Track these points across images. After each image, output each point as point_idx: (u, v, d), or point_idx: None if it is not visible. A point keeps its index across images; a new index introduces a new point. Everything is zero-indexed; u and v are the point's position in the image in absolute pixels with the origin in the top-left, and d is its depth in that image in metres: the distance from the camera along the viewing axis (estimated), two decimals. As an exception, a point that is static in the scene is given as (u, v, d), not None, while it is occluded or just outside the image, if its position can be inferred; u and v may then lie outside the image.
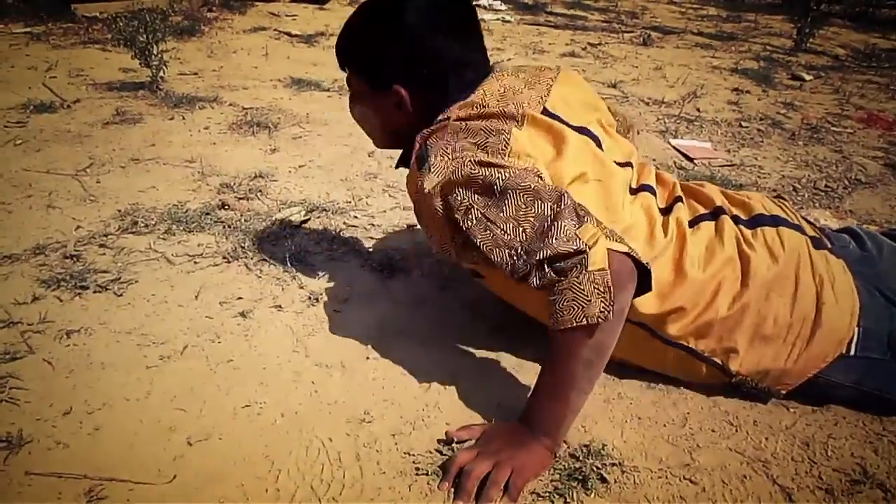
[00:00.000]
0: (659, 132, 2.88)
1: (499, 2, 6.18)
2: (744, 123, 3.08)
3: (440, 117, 1.24)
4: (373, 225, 1.89)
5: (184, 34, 4.10)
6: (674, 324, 1.22)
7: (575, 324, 1.02)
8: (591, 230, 1.05)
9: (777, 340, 1.22)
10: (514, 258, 1.07)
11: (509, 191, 1.08)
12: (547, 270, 1.04)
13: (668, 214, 1.31)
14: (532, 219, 1.06)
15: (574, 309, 1.02)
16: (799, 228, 1.33)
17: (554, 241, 1.03)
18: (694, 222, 1.31)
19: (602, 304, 1.01)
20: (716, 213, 1.33)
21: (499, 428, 1.14)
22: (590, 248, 1.02)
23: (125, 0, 4.29)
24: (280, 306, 1.49)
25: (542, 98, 1.27)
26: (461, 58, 1.28)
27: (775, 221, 1.33)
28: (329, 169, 2.24)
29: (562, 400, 1.07)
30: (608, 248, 1.04)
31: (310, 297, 1.52)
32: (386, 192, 2.10)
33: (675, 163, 2.53)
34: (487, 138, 1.16)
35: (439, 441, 1.14)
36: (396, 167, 1.45)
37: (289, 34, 4.36)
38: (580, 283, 1.02)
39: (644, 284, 1.08)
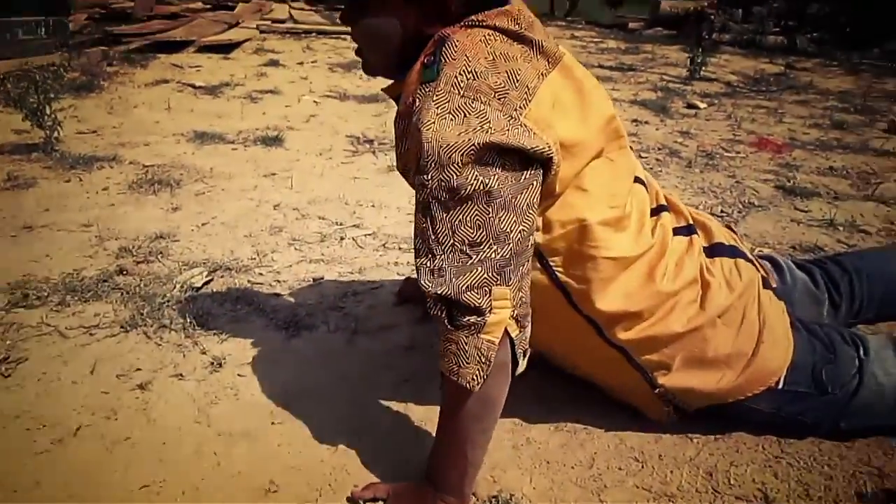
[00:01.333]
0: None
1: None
2: (643, 154, 3.20)
3: (472, 18, 1.06)
4: (278, 281, 1.86)
5: (82, 90, 4.00)
6: (625, 328, 1.19)
7: (450, 376, 1.01)
8: (507, 295, 1.01)
9: (711, 367, 1.23)
10: (427, 261, 1.01)
11: (480, 198, 0.99)
12: (441, 308, 1.01)
13: (655, 216, 1.28)
14: (468, 240, 0.99)
15: (451, 363, 1.01)
16: (753, 263, 1.35)
17: (463, 282, 0.99)
18: (674, 233, 1.29)
19: (477, 373, 1.00)
20: (689, 230, 1.32)
21: (405, 488, 1.13)
22: (490, 313, 1.00)
23: (16, 59, 4.15)
24: (181, 375, 1.44)
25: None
26: None
27: (733, 253, 1.33)
28: (233, 225, 2.21)
29: (460, 456, 1.07)
30: (506, 327, 1.02)
31: (212, 363, 1.48)
32: (291, 246, 2.07)
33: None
34: (510, 87, 1.00)
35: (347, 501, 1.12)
36: (387, 90, 1.24)
37: (192, 86, 4.30)
38: (466, 343, 1.00)
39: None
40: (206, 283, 1.82)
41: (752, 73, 5.98)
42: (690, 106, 4.37)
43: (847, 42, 8.64)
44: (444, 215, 0.99)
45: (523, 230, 1.02)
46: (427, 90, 1.00)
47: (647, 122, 3.88)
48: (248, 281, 1.86)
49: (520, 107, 1.00)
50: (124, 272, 1.86)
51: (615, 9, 14.31)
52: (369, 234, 2.16)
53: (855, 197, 2.75)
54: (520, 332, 1.04)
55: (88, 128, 3.30)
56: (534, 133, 1.00)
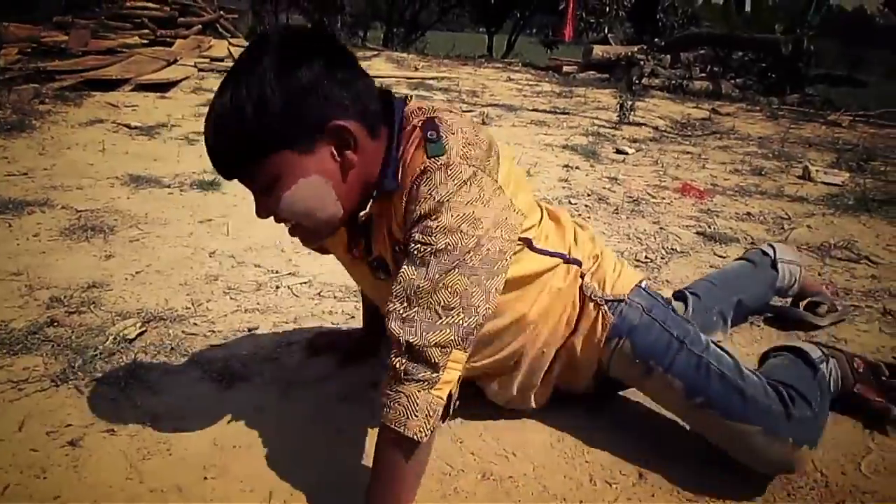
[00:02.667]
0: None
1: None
2: (573, 200, 3.32)
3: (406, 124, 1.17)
4: (213, 331, 1.88)
5: (13, 130, 3.93)
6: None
7: (395, 427, 1.09)
8: (461, 359, 1.12)
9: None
10: (402, 308, 1.10)
11: (466, 271, 1.09)
12: (403, 357, 1.09)
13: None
14: (444, 303, 1.09)
15: (399, 414, 1.09)
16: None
17: (431, 338, 1.09)
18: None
19: (423, 426, 1.09)
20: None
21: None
22: (444, 371, 1.10)
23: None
24: (113, 430, 1.45)
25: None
26: (368, 80, 1.18)
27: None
28: (168, 273, 2.21)
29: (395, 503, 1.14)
30: (451, 390, 1.13)
31: (145, 418, 1.49)
32: (227, 295, 2.09)
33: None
34: (492, 156, 1.15)
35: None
36: (361, 220, 1.26)
37: (128, 126, 4.27)
38: (418, 398, 1.09)
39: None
40: (140, 334, 1.83)
41: (679, 118, 6.25)
42: (619, 151, 4.55)
43: (769, 88, 9.12)
44: (433, 274, 1.09)
45: (487, 310, 1.14)
46: (440, 163, 1.09)
47: (577, 168, 4.02)
48: (183, 331, 1.87)
49: (496, 177, 1.15)
50: (55, 323, 1.85)
51: (550, 50, 14.76)
52: (305, 283, 2.19)
53: (769, 242, 2.92)
54: (457, 392, 1.16)
55: (19, 169, 3.26)
56: (515, 209, 1.17)
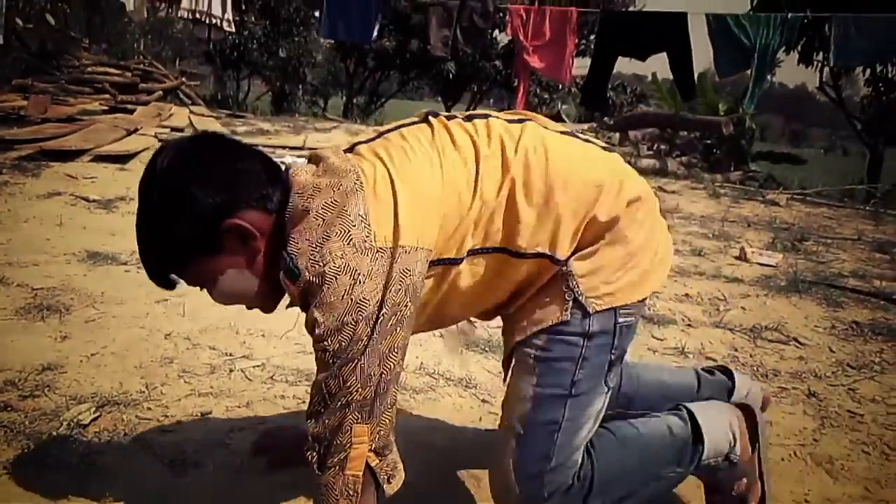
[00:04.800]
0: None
1: (303, 160, 6.47)
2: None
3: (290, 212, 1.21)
4: (166, 416, 1.93)
5: (-32, 202, 3.96)
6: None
7: None
8: (365, 431, 1.18)
9: None
10: (308, 405, 1.22)
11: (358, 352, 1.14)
12: (314, 450, 1.20)
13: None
14: (337, 386, 1.16)
15: (324, 502, 1.20)
16: None
17: (331, 423, 1.17)
18: None
19: None
20: None
21: None
22: (350, 448, 1.17)
23: None
24: (65, 519, 1.49)
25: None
26: (251, 167, 1.26)
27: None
28: (123, 356, 2.26)
29: None
30: (367, 459, 1.19)
31: (97, 506, 1.53)
32: (181, 378, 2.15)
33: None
34: (349, 229, 1.14)
35: None
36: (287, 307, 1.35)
37: (86, 199, 4.32)
38: (334, 482, 1.18)
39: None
40: (94, 419, 1.87)
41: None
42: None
43: (713, 165, 9.54)
44: (329, 369, 1.16)
45: (384, 372, 1.18)
46: (303, 281, 1.17)
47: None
48: (137, 416, 1.91)
49: (365, 238, 1.15)
50: (9, 408, 1.88)
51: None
52: (258, 366, 2.26)
53: (706, 324, 3.08)
54: (380, 461, 1.21)
55: (-26, 245, 3.28)
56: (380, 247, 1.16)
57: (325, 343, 1.14)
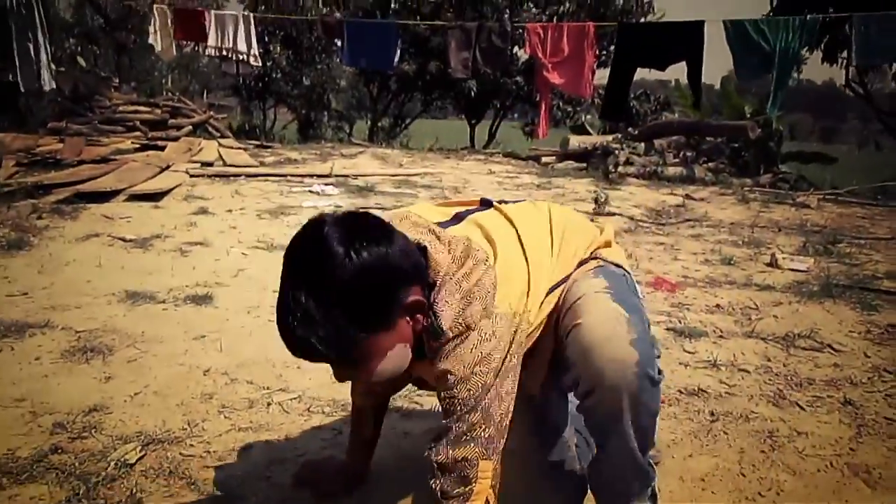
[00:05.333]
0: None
1: (331, 187, 6.59)
2: (550, 299, 3.47)
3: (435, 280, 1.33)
4: (208, 452, 1.99)
5: (11, 248, 4.09)
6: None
7: None
8: (489, 468, 1.30)
9: None
10: (432, 443, 1.32)
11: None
12: (438, 476, 1.29)
13: None
14: (469, 424, 1.29)
15: None
16: None
17: (455, 454, 1.28)
18: None
19: None
20: None
21: None
22: (475, 482, 1.27)
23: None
24: (116, 558, 1.55)
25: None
26: (405, 243, 1.32)
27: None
28: (165, 393, 2.33)
29: None
30: (487, 497, 1.29)
31: (146, 544, 1.59)
32: (221, 413, 2.21)
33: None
34: (485, 296, 1.32)
35: None
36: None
37: (123, 239, 4.44)
38: None
39: None
40: (140, 458, 1.94)
41: (654, 206, 6.50)
42: (595, 245, 4.73)
43: (741, 169, 9.47)
44: (459, 416, 1.31)
45: (505, 411, 1.33)
46: (441, 342, 1.33)
47: (555, 264, 4.19)
48: (180, 453, 1.98)
49: (490, 302, 1.33)
50: (59, 450, 1.95)
51: (530, 139, 15.26)
52: (294, 398, 2.32)
53: (738, 334, 3.07)
54: (495, 499, 1.32)
55: (19, 289, 3.40)
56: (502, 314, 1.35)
57: (455, 390, 1.29)
